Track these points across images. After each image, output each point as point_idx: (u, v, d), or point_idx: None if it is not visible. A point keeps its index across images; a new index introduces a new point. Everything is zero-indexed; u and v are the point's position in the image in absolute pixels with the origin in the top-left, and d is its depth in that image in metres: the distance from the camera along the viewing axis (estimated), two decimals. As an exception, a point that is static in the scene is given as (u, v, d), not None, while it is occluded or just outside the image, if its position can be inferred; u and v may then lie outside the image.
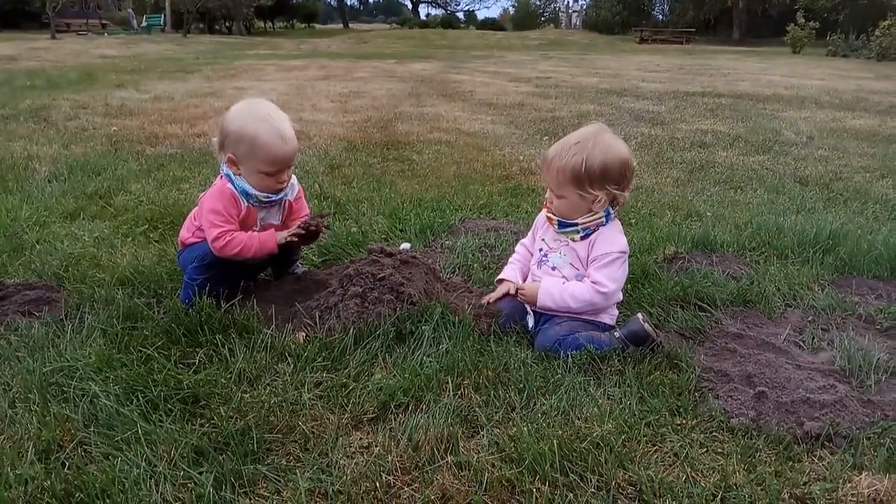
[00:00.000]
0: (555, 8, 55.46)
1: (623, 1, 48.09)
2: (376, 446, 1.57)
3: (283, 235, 2.27)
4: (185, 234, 2.39)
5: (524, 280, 2.33)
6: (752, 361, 1.98)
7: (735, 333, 2.19)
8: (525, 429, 1.61)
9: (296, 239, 2.28)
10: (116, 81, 10.36)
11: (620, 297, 2.20)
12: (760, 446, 1.60)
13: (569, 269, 2.16)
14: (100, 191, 3.77)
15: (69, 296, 2.34)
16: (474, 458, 1.52)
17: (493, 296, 2.29)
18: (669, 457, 1.57)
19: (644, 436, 1.63)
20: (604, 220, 2.09)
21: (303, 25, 56.71)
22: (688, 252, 2.88)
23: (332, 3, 66.90)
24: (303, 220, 2.31)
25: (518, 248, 2.44)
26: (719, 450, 1.60)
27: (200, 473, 1.44)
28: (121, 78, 10.97)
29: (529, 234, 2.39)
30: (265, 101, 2.30)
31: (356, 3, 75.01)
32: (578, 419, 1.68)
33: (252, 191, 2.24)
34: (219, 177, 2.31)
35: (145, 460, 1.47)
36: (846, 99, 9.63)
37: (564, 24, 49.55)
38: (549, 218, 2.19)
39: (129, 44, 24.25)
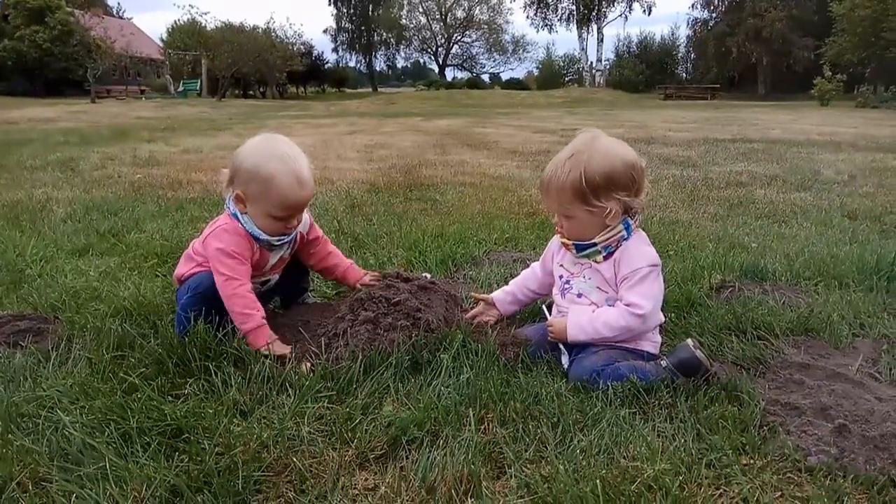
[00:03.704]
0: (578, 68, 56.30)
1: (646, 60, 48.77)
2: (384, 487, 1.33)
3: (278, 348, 1.88)
4: (182, 269, 2.14)
5: (516, 303, 2.23)
6: (824, 392, 1.70)
7: (800, 364, 1.91)
8: (561, 467, 1.36)
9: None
10: (148, 138, 10.53)
11: (661, 317, 1.95)
12: (848, 489, 1.33)
13: (597, 294, 1.93)
14: (113, 229, 3.65)
15: (61, 327, 2.17)
16: (500, 502, 1.28)
17: (474, 311, 2.23)
18: (737, 502, 1.30)
19: (706, 478, 1.36)
20: (625, 233, 1.87)
21: (333, 90, 58.50)
22: (737, 280, 2.62)
23: (362, 68, 69.09)
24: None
25: (525, 271, 2.24)
26: (797, 493, 1.33)
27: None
28: (152, 135, 11.15)
29: (541, 259, 2.17)
30: (283, 137, 2.09)
31: (385, 69, 76.90)
32: (624, 458, 1.42)
33: (263, 235, 2.02)
34: (224, 214, 2.09)
35: (111, 500, 1.25)
36: (884, 143, 9.33)
37: (588, 83, 50.11)
38: (564, 244, 1.97)
39: (166, 107, 25.03)
